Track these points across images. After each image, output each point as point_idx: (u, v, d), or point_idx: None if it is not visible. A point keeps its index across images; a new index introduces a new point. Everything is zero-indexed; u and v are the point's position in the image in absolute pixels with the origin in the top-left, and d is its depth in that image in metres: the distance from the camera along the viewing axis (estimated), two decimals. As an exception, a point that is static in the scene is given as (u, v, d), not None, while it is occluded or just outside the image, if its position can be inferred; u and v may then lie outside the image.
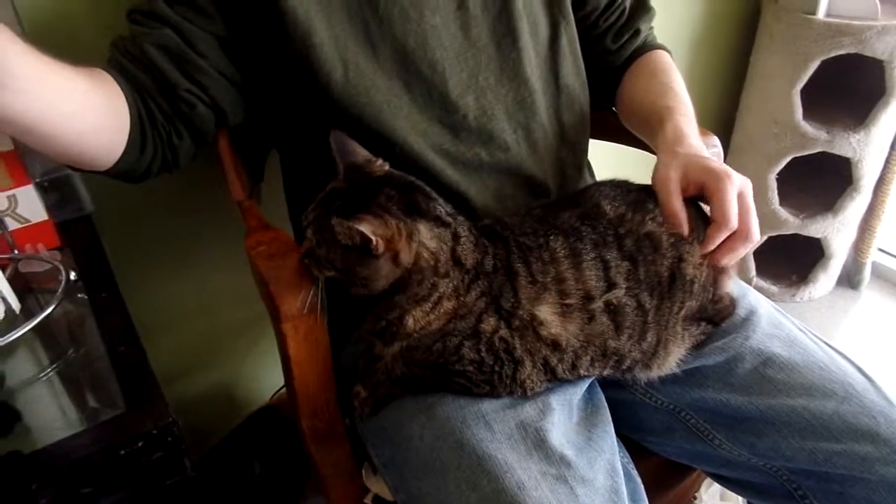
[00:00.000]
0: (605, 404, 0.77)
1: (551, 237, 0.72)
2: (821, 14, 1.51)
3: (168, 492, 0.62)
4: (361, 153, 0.72)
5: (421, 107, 0.81)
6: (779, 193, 1.71)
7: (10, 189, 0.78)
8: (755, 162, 1.71)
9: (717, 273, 0.78)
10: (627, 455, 0.76)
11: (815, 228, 1.72)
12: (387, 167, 0.73)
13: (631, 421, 0.82)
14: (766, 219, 1.74)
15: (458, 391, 0.70)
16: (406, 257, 0.66)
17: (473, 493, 0.63)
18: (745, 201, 0.71)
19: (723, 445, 0.77)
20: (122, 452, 0.57)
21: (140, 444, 0.57)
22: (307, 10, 0.74)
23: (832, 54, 1.49)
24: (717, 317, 0.80)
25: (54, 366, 0.67)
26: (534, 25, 0.86)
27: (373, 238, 0.63)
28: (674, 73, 0.93)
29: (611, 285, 0.71)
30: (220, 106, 0.78)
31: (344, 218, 0.63)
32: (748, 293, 0.85)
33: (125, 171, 0.73)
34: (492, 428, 0.67)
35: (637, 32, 0.95)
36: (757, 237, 0.71)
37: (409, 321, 0.69)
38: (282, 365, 0.77)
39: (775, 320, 0.82)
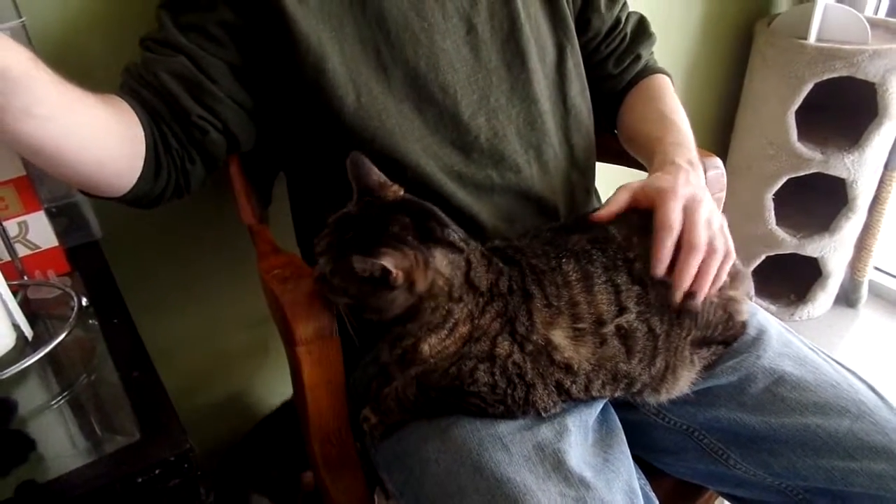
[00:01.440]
0: (620, 426, 0.76)
1: (563, 260, 0.72)
2: (812, 39, 1.54)
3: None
4: (376, 176, 0.72)
5: (433, 129, 0.82)
6: (776, 214, 1.73)
7: (22, 215, 0.78)
8: (752, 183, 1.73)
9: (733, 302, 0.78)
10: (644, 477, 0.75)
11: (813, 248, 1.74)
12: (401, 192, 0.73)
13: (644, 441, 0.81)
14: (763, 238, 1.76)
15: (473, 413, 0.70)
16: (422, 285, 0.66)
17: (492, 518, 0.62)
18: (691, 215, 0.71)
19: (737, 465, 0.77)
20: (140, 480, 0.56)
21: (157, 471, 0.57)
22: (319, 37, 0.76)
23: (825, 77, 1.52)
24: (729, 338, 0.80)
25: (67, 393, 0.66)
26: (541, 49, 0.87)
27: (394, 271, 0.63)
28: (669, 99, 0.95)
29: (622, 309, 0.71)
30: (233, 132, 0.79)
31: (359, 249, 0.63)
32: (757, 312, 0.86)
33: (139, 197, 0.74)
34: (509, 450, 0.67)
35: (638, 58, 0.98)
36: (699, 246, 0.70)
37: (425, 348, 0.69)
38: (294, 391, 0.77)
39: (785, 339, 0.82)
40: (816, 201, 1.75)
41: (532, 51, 0.85)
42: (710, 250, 0.72)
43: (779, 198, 1.71)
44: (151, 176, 0.73)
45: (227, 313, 1.20)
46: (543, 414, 0.70)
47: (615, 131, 1.03)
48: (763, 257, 1.79)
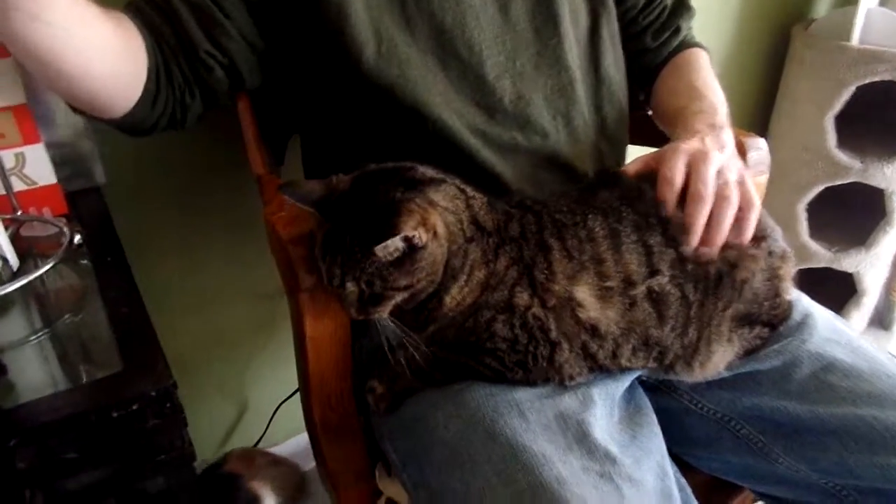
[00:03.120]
0: (650, 405, 0.69)
1: (589, 216, 0.66)
2: (855, 41, 1.48)
3: (163, 469, 0.55)
4: (316, 184, 0.65)
5: (456, 87, 0.77)
6: (809, 225, 1.65)
7: (19, 146, 0.73)
8: (784, 191, 1.66)
9: (779, 280, 0.72)
10: (675, 465, 0.68)
11: (848, 263, 1.66)
12: (346, 178, 0.65)
13: (674, 431, 0.74)
14: (795, 251, 1.64)
15: (489, 377, 0.64)
16: (441, 229, 0.61)
17: (506, 489, 0.56)
18: (695, 165, 0.67)
19: (779, 459, 0.69)
20: (115, 415, 0.50)
21: (135, 406, 0.51)
22: None
23: (867, 80, 1.46)
24: (774, 319, 0.73)
25: (49, 325, 0.61)
26: (574, 13, 0.83)
27: (413, 233, 0.58)
28: (702, 72, 0.90)
29: (654, 272, 0.65)
30: (239, 70, 0.74)
31: (371, 240, 0.58)
32: (801, 297, 0.79)
33: (134, 123, 0.70)
34: (527, 417, 0.60)
35: (677, 30, 0.93)
36: (704, 194, 0.66)
37: (447, 299, 0.63)
38: (294, 347, 0.71)
39: (833, 325, 0.75)
40: (853, 213, 1.67)
41: (564, 15, 0.81)
42: (721, 199, 0.66)
43: (813, 208, 1.64)
44: (149, 102, 0.69)
45: (230, 283, 1.15)
46: (568, 382, 0.64)
47: (650, 112, 0.98)
48: (795, 271, 1.70)
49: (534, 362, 0.63)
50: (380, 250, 0.58)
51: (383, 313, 0.63)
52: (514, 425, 0.59)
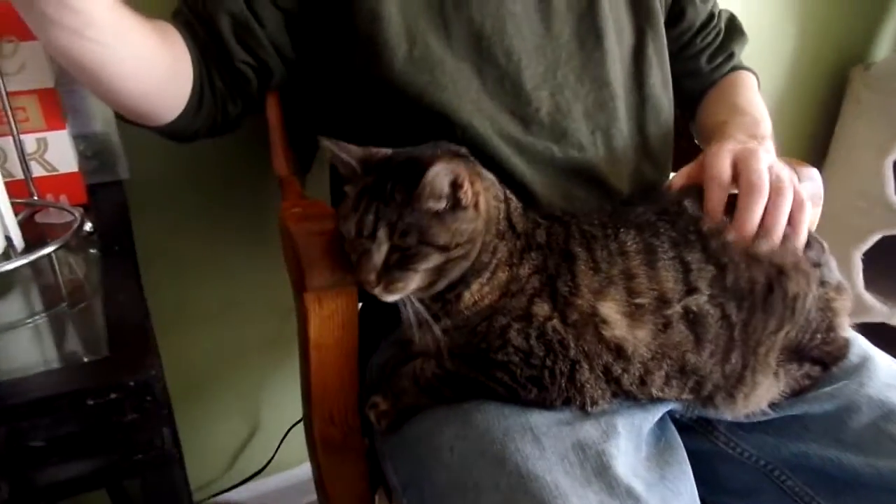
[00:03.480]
0: (681, 444, 0.62)
1: (621, 230, 0.62)
2: (919, 83, 1.41)
3: (139, 469, 0.51)
4: (360, 148, 0.63)
5: (491, 94, 0.75)
6: (865, 277, 1.54)
7: (42, 132, 0.72)
8: (839, 240, 1.56)
9: (834, 314, 0.65)
10: (707, 512, 0.61)
11: (906, 319, 1.54)
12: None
13: (707, 477, 0.66)
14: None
15: (501, 396, 0.58)
16: (483, 204, 0.59)
17: (511, 522, 0.49)
18: (744, 162, 0.64)
19: (829, 517, 0.61)
20: (90, 403, 0.46)
21: (112, 395, 0.47)
22: None
23: (931, 125, 1.38)
24: (827, 357, 0.66)
25: (43, 311, 0.58)
26: (619, 30, 0.80)
27: (462, 181, 0.56)
28: (747, 91, 0.90)
29: (691, 290, 0.59)
30: (271, 78, 0.75)
31: (413, 181, 0.55)
32: (859, 339, 0.71)
33: (176, 131, 0.72)
34: (541, 444, 0.54)
35: (731, 56, 0.93)
36: (759, 184, 0.62)
37: (466, 295, 0.59)
38: (299, 355, 0.67)
39: (895, 370, 0.67)
40: (913, 266, 1.57)
41: (609, 30, 0.79)
42: (775, 192, 0.62)
43: (869, 259, 1.54)
44: (193, 112, 0.70)
45: (247, 295, 1.12)
46: (591, 407, 0.58)
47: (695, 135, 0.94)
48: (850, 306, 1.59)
49: (551, 379, 0.57)
50: (428, 184, 0.55)
51: (405, 288, 0.57)
52: (527, 452, 0.53)
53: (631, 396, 0.60)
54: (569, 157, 0.76)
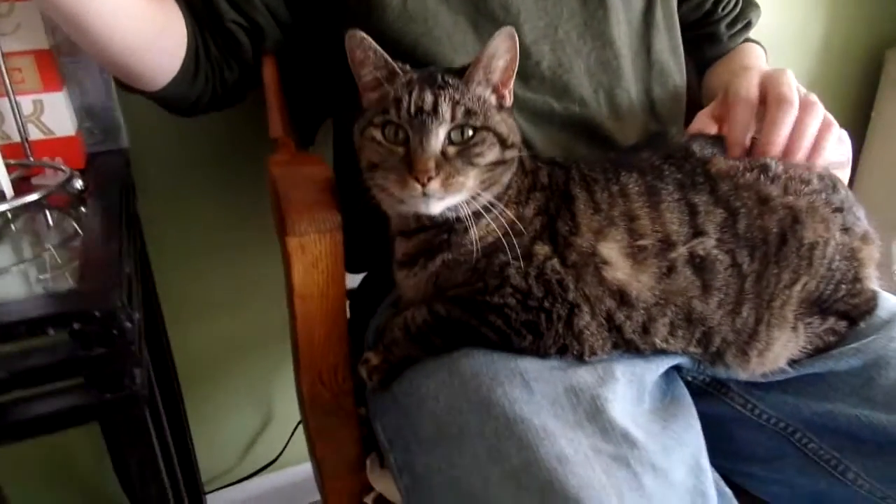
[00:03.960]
0: (690, 401, 0.57)
1: (623, 173, 0.59)
2: (960, 59, 1.33)
3: (108, 411, 0.49)
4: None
5: None
6: (907, 267, 1.45)
7: (38, 93, 0.72)
8: (878, 228, 1.48)
9: (860, 264, 0.60)
10: (717, 473, 0.55)
11: (955, 310, 1.44)
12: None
13: (725, 443, 0.61)
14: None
15: (493, 342, 0.54)
16: (509, 102, 0.60)
17: (496, 467, 0.46)
18: (773, 80, 0.62)
19: (858, 481, 0.56)
20: (52, 332, 0.45)
21: (76, 325, 0.45)
22: None
23: (975, 103, 1.30)
24: (853, 311, 0.60)
25: (26, 255, 0.57)
26: None
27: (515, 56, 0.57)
28: (755, 58, 0.89)
29: (698, 233, 0.55)
30: (265, 41, 0.74)
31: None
32: (889, 297, 0.66)
33: (175, 98, 0.72)
34: (531, 388, 0.50)
35: (749, 24, 0.92)
36: (789, 97, 0.60)
37: (472, 230, 0.56)
38: (287, 307, 0.64)
39: (928, 327, 0.61)
40: (960, 255, 1.47)
41: None
42: (806, 107, 0.60)
43: (911, 248, 1.45)
44: (190, 77, 0.71)
45: (260, 285, 1.10)
46: (588, 356, 0.54)
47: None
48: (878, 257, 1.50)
49: (548, 324, 0.53)
50: (483, 67, 0.55)
51: (463, 185, 0.54)
52: (515, 395, 0.49)
53: (633, 347, 0.55)
54: (570, 112, 0.74)
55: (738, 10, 0.90)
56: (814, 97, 0.62)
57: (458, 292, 0.57)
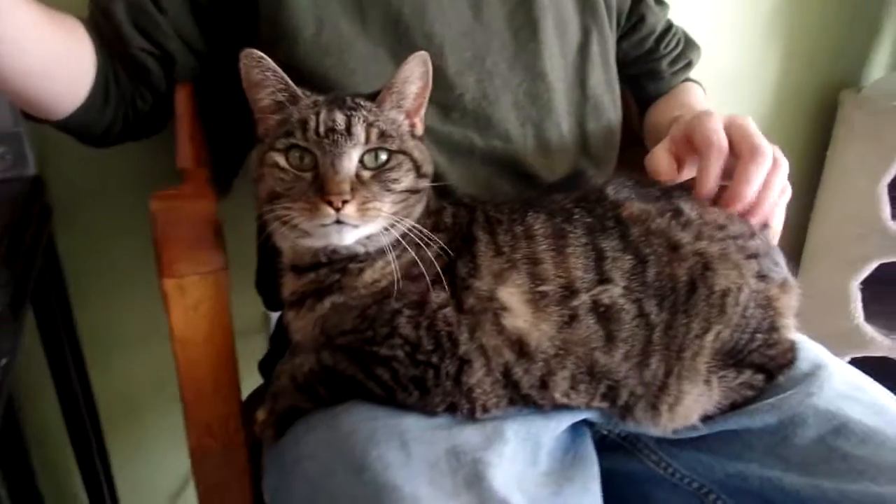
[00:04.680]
0: (595, 460, 0.54)
1: (530, 213, 0.57)
2: (910, 102, 1.34)
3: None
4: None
5: None
6: (865, 308, 1.44)
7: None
8: (834, 269, 1.48)
9: (777, 313, 0.57)
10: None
11: (911, 352, 1.43)
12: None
13: (635, 502, 0.57)
14: (848, 336, 1.47)
15: (378, 396, 0.51)
16: (420, 131, 0.59)
17: (358, 540, 0.41)
18: (736, 123, 0.60)
19: (770, 549, 0.51)
20: None
21: None
22: None
23: (924, 145, 1.30)
24: (770, 363, 0.57)
25: None
26: (561, 24, 0.78)
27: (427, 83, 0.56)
28: (697, 97, 0.89)
29: (603, 280, 0.52)
30: (177, 70, 0.71)
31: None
32: (814, 346, 0.63)
33: (82, 126, 0.68)
34: (408, 450, 0.46)
35: (690, 64, 0.93)
36: (762, 150, 0.58)
37: (367, 272, 0.53)
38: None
39: (853, 380, 0.59)
40: (916, 296, 1.46)
41: (547, 24, 0.76)
42: (776, 162, 0.59)
43: (868, 289, 1.44)
44: (98, 106, 0.68)
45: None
46: (479, 414, 0.50)
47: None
48: (847, 359, 1.48)
49: (435, 380, 0.50)
50: (396, 92, 0.54)
51: (379, 211, 0.51)
52: (390, 459, 0.45)
53: (531, 402, 0.52)
54: (491, 147, 0.72)
55: (679, 48, 0.91)
56: (779, 152, 0.60)
57: (346, 340, 0.53)
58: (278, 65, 0.68)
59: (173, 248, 0.53)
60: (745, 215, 0.59)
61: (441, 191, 0.65)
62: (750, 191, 0.57)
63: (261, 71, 0.54)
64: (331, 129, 0.51)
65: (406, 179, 0.53)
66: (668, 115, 0.81)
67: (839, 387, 0.57)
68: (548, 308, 0.52)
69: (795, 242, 1.56)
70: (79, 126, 0.68)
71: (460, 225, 0.57)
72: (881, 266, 1.40)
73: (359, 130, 0.51)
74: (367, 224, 0.51)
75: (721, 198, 0.59)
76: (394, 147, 0.52)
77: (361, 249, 0.53)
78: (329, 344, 0.54)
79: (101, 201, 0.95)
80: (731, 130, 0.59)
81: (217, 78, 0.75)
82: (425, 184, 0.55)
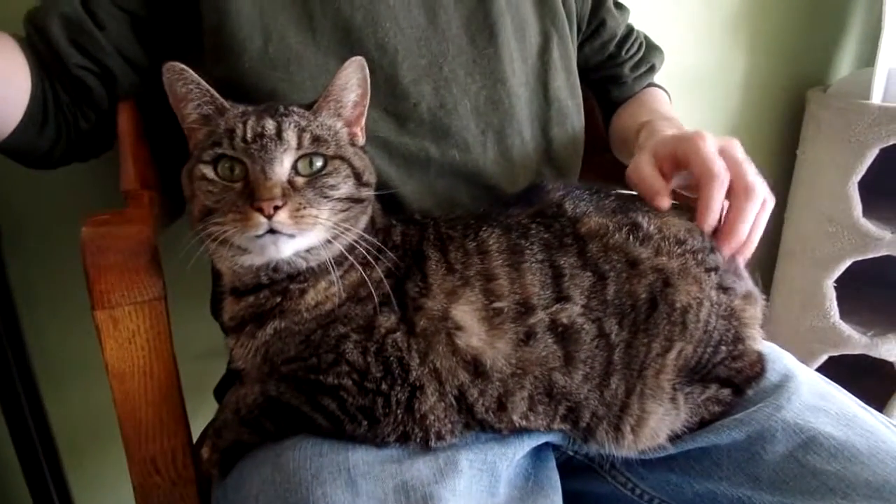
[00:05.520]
0: (557, 485, 0.51)
1: (484, 228, 0.54)
2: (876, 99, 1.34)
3: None
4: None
5: None
6: (840, 306, 1.44)
7: None
8: (808, 268, 1.47)
9: (741, 324, 0.55)
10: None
11: (888, 349, 1.42)
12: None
13: (603, 525, 0.55)
14: (824, 335, 1.46)
15: (325, 428, 0.48)
16: (361, 141, 0.57)
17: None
18: (730, 154, 0.58)
19: (742, 572, 0.49)
20: None
21: None
22: None
23: (891, 142, 1.30)
24: (737, 377, 0.55)
25: None
26: (520, 29, 0.76)
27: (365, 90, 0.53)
28: (662, 103, 0.89)
29: (561, 298, 0.50)
30: (118, 87, 0.68)
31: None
32: (783, 357, 0.61)
33: (22, 148, 0.65)
34: (356, 487, 0.43)
35: (652, 68, 0.92)
36: (758, 189, 0.57)
37: (310, 293, 0.50)
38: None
39: (821, 390, 0.57)
40: (890, 291, 1.46)
41: (506, 28, 0.74)
42: (766, 199, 0.58)
43: (844, 287, 1.44)
44: (36, 127, 0.65)
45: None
46: (434, 443, 0.47)
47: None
48: (824, 358, 1.48)
49: (385, 409, 0.47)
50: (333, 99, 0.52)
51: (316, 220, 0.48)
52: (336, 497, 0.43)
53: (487, 427, 0.49)
54: (448, 159, 0.69)
55: (641, 53, 0.90)
56: (767, 188, 0.59)
57: (290, 368, 0.50)
58: (224, 80, 0.65)
59: (105, 277, 0.50)
60: (731, 251, 0.57)
61: (393, 206, 0.63)
62: (744, 228, 0.56)
63: (184, 84, 0.52)
64: (259, 135, 0.48)
65: (344, 186, 0.50)
66: (635, 119, 0.80)
67: (807, 397, 0.55)
68: (503, 325, 0.49)
69: (769, 242, 1.55)
70: (16, 149, 0.65)
71: (410, 243, 0.54)
72: (855, 264, 1.40)
73: (290, 135, 0.49)
74: (305, 233, 0.48)
75: (715, 236, 0.57)
76: (329, 152, 0.50)
77: (303, 265, 0.50)
78: (273, 373, 0.51)
79: (51, 226, 0.91)
80: (726, 161, 0.57)
81: (163, 95, 0.73)
82: (368, 193, 0.53)
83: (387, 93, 0.68)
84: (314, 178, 0.49)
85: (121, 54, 0.67)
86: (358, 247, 0.51)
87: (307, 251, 0.50)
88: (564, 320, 0.50)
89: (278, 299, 0.51)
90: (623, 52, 0.88)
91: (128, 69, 0.68)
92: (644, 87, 0.92)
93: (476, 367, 0.49)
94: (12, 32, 0.65)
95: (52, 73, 0.65)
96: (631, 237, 0.53)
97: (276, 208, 0.46)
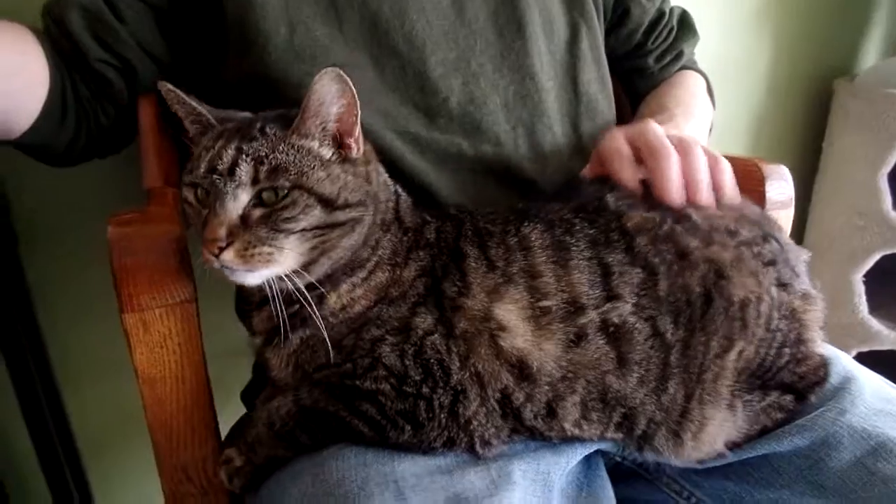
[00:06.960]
0: (611, 495, 0.49)
1: (525, 224, 0.52)
2: (908, 87, 1.31)
3: None
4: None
5: (391, 85, 0.67)
6: (869, 301, 1.41)
7: None
8: (836, 262, 1.44)
9: (802, 326, 0.52)
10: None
11: (919, 345, 1.39)
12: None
13: (657, 536, 0.53)
14: (852, 330, 1.43)
15: (366, 438, 0.45)
16: (374, 175, 0.53)
17: None
18: (639, 134, 0.58)
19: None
20: None
21: None
22: None
23: (922, 132, 1.27)
24: (800, 382, 0.52)
25: None
26: (548, 21, 0.74)
27: (353, 130, 0.49)
28: (678, 89, 0.85)
29: (612, 297, 0.47)
30: (140, 81, 0.66)
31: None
32: (840, 357, 0.58)
33: (38, 145, 0.64)
34: (405, 499, 0.41)
35: (680, 55, 0.88)
36: (661, 147, 0.55)
37: (332, 297, 0.48)
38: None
39: (885, 393, 0.54)
40: (921, 287, 1.43)
41: (533, 20, 0.72)
42: (684, 150, 0.55)
43: (872, 281, 1.41)
44: (55, 123, 0.63)
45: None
46: (481, 449, 0.45)
47: None
48: (853, 354, 1.45)
49: (428, 413, 0.45)
50: (315, 91, 0.46)
51: (271, 258, 0.45)
52: (386, 509, 0.40)
53: (537, 434, 0.47)
54: (480, 153, 0.67)
55: (669, 41, 0.87)
56: (689, 138, 0.57)
57: (324, 375, 0.48)
58: (251, 75, 0.64)
59: (133, 279, 0.47)
60: (692, 198, 0.54)
61: (427, 202, 0.61)
62: (667, 183, 0.53)
63: (177, 103, 0.51)
64: (212, 170, 0.46)
65: (305, 218, 0.46)
66: (651, 111, 0.78)
67: (871, 401, 0.52)
68: (551, 325, 0.47)
69: (795, 236, 1.52)
70: (34, 145, 0.63)
71: (446, 240, 0.52)
72: (884, 258, 1.37)
73: (243, 169, 0.45)
74: (260, 269, 0.45)
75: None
76: (288, 184, 0.46)
77: (287, 285, 0.47)
78: (306, 381, 0.49)
79: (70, 225, 0.89)
80: (631, 138, 0.58)
81: (186, 89, 0.71)
82: (350, 214, 0.48)
83: (416, 88, 0.66)
84: (271, 210, 0.46)
85: (142, 48, 0.65)
86: (378, 251, 0.50)
87: (280, 279, 0.46)
88: (616, 320, 0.47)
89: (297, 306, 0.48)
90: (650, 42, 0.85)
91: (149, 63, 0.66)
92: (673, 74, 0.88)
93: (521, 370, 0.46)
94: (31, 24, 0.63)
95: (71, 67, 0.63)
96: (679, 227, 0.51)
97: (221, 249, 0.44)
